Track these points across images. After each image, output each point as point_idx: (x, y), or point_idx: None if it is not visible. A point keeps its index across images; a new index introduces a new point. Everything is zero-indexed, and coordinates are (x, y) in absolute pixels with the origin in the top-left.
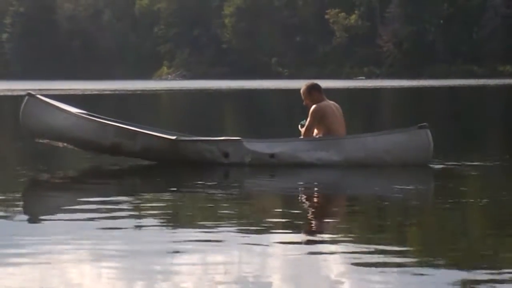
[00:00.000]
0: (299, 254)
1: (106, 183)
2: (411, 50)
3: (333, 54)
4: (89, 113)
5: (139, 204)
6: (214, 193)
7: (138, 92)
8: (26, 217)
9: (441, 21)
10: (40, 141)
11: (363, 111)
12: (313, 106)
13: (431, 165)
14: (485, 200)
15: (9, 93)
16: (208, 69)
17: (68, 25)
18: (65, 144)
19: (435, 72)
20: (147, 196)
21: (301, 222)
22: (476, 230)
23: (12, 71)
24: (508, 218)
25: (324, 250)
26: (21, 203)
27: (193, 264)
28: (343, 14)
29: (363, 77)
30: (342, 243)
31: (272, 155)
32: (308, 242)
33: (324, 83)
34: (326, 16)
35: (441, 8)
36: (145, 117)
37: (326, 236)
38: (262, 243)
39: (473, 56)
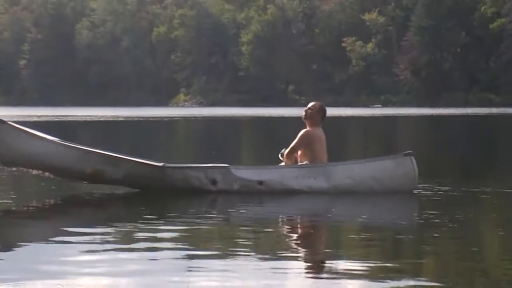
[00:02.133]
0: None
1: (89, 212)
2: (428, 78)
3: (350, 82)
4: (62, 140)
5: (126, 234)
6: (201, 220)
7: (151, 119)
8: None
9: (458, 50)
10: (13, 168)
11: (379, 139)
12: (303, 131)
13: (416, 192)
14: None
15: (28, 119)
16: (225, 96)
17: (86, 52)
18: (39, 171)
19: (452, 100)
20: (135, 224)
21: (300, 250)
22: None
23: (29, 97)
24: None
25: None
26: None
27: None
28: (360, 42)
29: (380, 105)
30: (337, 270)
31: (260, 182)
32: (309, 269)
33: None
34: (343, 44)
35: (458, 36)
36: (151, 143)
37: (321, 263)
38: (261, 269)
39: (490, 85)
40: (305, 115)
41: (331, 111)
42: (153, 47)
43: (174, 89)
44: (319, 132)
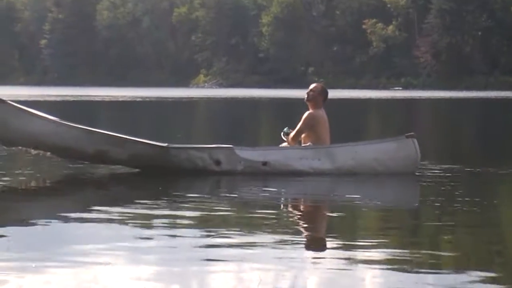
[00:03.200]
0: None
1: (94, 192)
2: (449, 61)
3: (370, 64)
4: (63, 120)
5: (143, 213)
6: (211, 203)
7: (169, 99)
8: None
9: (479, 33)
10: (13, 148)
11: (397, 121)
12: (308, 113)
13: (418, 174)
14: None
15: (47, 99)
16: (245, 77)
17: (106, 33)
18: (39, 151)
19: (472, 83)
20: (140, 206)
21: (304, 230)
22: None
23: (49, 77)
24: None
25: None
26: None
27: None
28: (380, 24)
29: (400, 88)
30: (348, 251)
31: (264, 163)
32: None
33: (361, 93)
34: (364, 26)
35: (479, 19)
36: (168, 124)
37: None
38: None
39: (511, 68)
40: (307, 97)
41: (351, 93)
42: (173, 28)
43: (194, 70)
44: (323, 114)
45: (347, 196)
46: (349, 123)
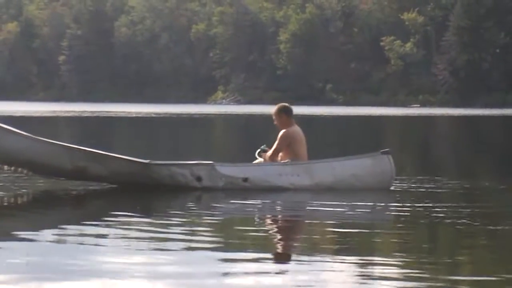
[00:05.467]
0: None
1: (70, 209)
2: (467, 78)
3: (388, 81)
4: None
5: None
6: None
7: (184, 115)
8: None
9: (497, 50)
10: None
11: (416, 139)
12: (283, 131)
13: (392, 189)
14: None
15: (65, 115)
16: (262, 94)
17: (124, 49)
18: (13, 167)
19: (490, 101)
20: (120, 222)
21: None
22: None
23: (68, 93)
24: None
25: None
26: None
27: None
28: (398, 41)
29: (418, 105)
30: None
31: (245, 179)
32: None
33: (379, 111)
34: (382, 43)
35: (497, 36)
36: (180, 140)
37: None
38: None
39: None
40: (275, 123)
41: (368, 111)
42: (191, 45)
43: (212, 87)
44: (297, 130)
45: (326, 209)
46: (363, 139)
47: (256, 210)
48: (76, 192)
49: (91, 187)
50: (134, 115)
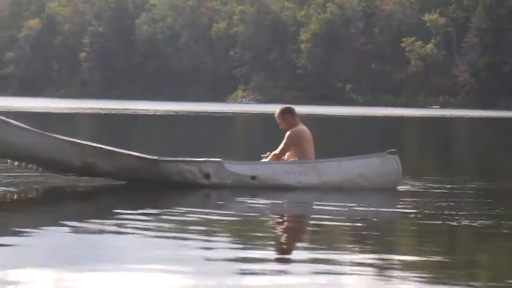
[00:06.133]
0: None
1: (82, 204)
2: (488, 80)
3: (408, 82)
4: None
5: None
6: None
7: (201, 114)
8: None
9: None
10: None
11: (434, 140)
12: (290, 131)
13: (400, 189)
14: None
15: (86, 111)
16: (282, 93)
17: (145, 47)
18: (22, 163)
19: (511, 103)
20: (131, 218)
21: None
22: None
23: (88, 90)
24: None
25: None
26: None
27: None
28: (419, 42)
29: (438, 106)
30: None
31: (253, 177)
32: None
33: (399, 111)
34: (402, 44)
35: None
36: (199, 139)
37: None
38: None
39: None
40: (280, 127)
41: (388, 111)
42: (212, 43)
43: (232, 85)
44: (304, 129)
45: (333, 209)
46: (381, 140)
47: (264, 208)
48: (84, 188)
49: (98, 184)
50: (152, 113)
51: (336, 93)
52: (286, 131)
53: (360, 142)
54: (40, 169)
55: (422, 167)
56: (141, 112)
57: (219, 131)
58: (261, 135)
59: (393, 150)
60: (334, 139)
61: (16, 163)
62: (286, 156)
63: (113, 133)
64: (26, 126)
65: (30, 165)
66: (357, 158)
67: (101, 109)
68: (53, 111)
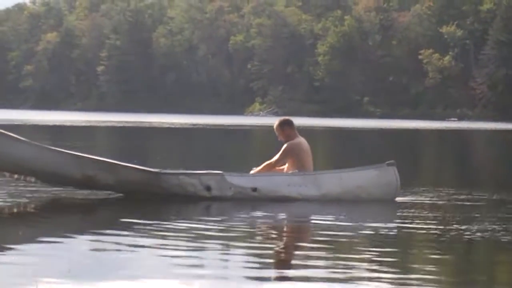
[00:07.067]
0: None
1: (81, 217)
2: (505, 92)
3: (426, 94)
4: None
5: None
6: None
7: (220, 126)
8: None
9: None
10: None
11: (452, 153)
12: (287, 144)
13: (397, 200)
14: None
15: (103, 124)
16: (299, 106)
17: (162, 60)
18: (21, 176)
19: None
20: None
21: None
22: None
23: (106, 103)
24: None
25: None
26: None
27: None
28: (437, 55)
29: (456, 119)
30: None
31: (254, 189)
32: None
33: (416, 124)
34: (420, 57)
35: None
36: (213, 151)
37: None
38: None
39: None
40: (279, 139)
41: (405, 124)
42: (229, 56)
43: (250, 98)
44: (303, 141)
45: (334, 220)
46: (395, 152)
47: (265, 219)
48: (84, 201)
49: (97, 196)
50: (168, 126)
51: (354, 106)
52: (284, 143)
53: (376, 154)
54: (39, 182)
55: (436, 179)
56: (156, 125)
57: (236, 143)
58: (278, 148)
59: (391, 162)
60: (348, 151)
61: (15, 176)
62: (285, 168)
63: (129, 146)
64: (26, 139)
65: (29, 178)
66: (356, 170)
67: (118, 122)
68: (70, 124)
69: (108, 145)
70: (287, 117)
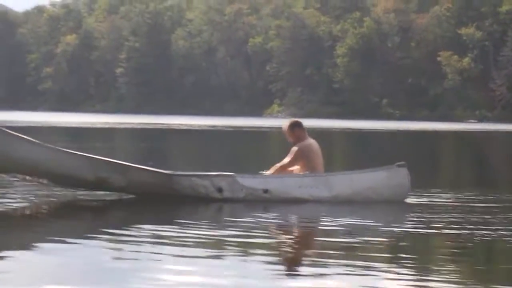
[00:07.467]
0: None
1: (94, 219)
2: None
3: (445, 96)
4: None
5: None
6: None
7: (239, 128)
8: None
9: None
10: (3, 175)
11: (471, 154)
12: (298, 146)
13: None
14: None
15: (122, 126)
16: (318, 108)
17: (181, 62)
18: (34, 178)
19: None
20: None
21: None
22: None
23: (125, 105)
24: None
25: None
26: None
27: None
28: (455, 56)
29: (475, 120)
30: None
31: (266, 191)
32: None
33: (435, 125)
34: (439, 58)
35: None
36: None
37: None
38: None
39: None
40: (289, 141)
41: (425, 126)
42: (248, 58)
43: (268, 100)
44: (313, 142)
45: (347, 221)
46: (413, 154)
47: (277, 221)
48: (92, 203)
49: (109, 198)
50: (186, 127)
51: (372, 108)
52: (294, 145)
53: (393, 156)
54: (51, 184)
55: (454, 180)
56: (175, 127)
57: (254, 145)
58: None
59: (402, 163)
60: (366, 153)
61: (27, 177)
62: (295, 170)
63: (148, 148)
64: (38, 141)
65: (42, 180)
66: (367, 171)
67: (137, 124)
68: (89, 126)
69: (127, 147)
70: (296, 119)
